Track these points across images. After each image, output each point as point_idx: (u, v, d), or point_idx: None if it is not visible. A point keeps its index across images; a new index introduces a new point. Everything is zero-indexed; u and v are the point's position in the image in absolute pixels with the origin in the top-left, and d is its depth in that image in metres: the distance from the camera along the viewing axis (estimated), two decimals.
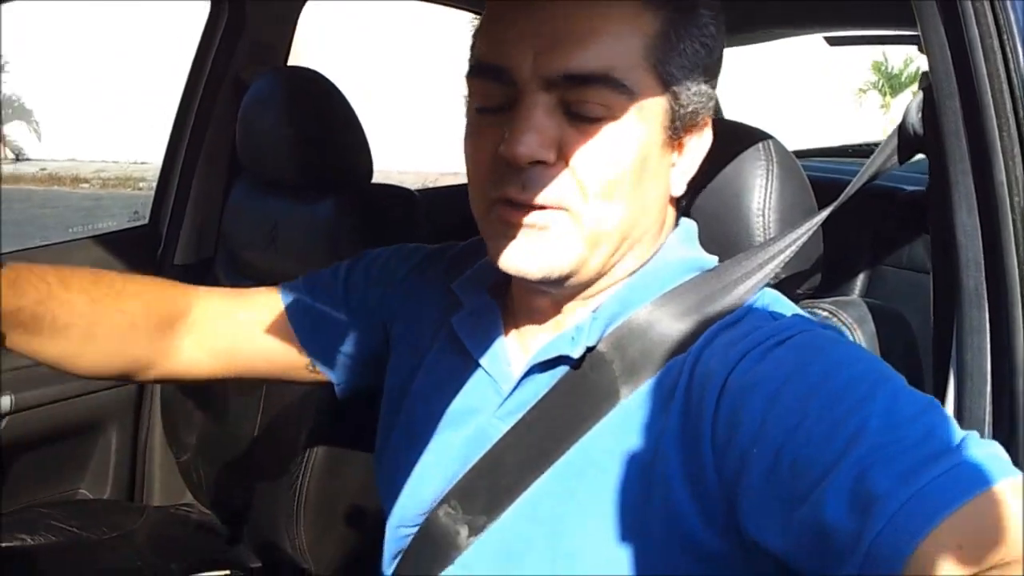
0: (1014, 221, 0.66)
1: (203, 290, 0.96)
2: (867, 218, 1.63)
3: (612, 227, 0.71)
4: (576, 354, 0.73)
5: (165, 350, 0.92)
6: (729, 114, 2.58)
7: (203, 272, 1.79)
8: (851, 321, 0.87)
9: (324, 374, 0.97)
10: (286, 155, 1.46)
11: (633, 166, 0.70)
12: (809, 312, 0.87)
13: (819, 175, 1.71)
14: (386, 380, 0.93)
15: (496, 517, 0.76)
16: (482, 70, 0.71)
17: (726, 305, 0.73)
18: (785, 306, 0.76)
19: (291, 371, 0.97)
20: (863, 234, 1.68)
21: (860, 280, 1.67)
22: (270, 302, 0.96)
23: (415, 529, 0.82)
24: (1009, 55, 0.67)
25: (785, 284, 0.91)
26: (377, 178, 1.56)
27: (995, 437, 0.68)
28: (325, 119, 1.48)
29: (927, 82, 0.75)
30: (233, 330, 0.94)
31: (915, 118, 0.77)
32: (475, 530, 0.77)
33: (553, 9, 0.68)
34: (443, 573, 0.78)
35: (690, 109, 0.73)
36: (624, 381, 0.71)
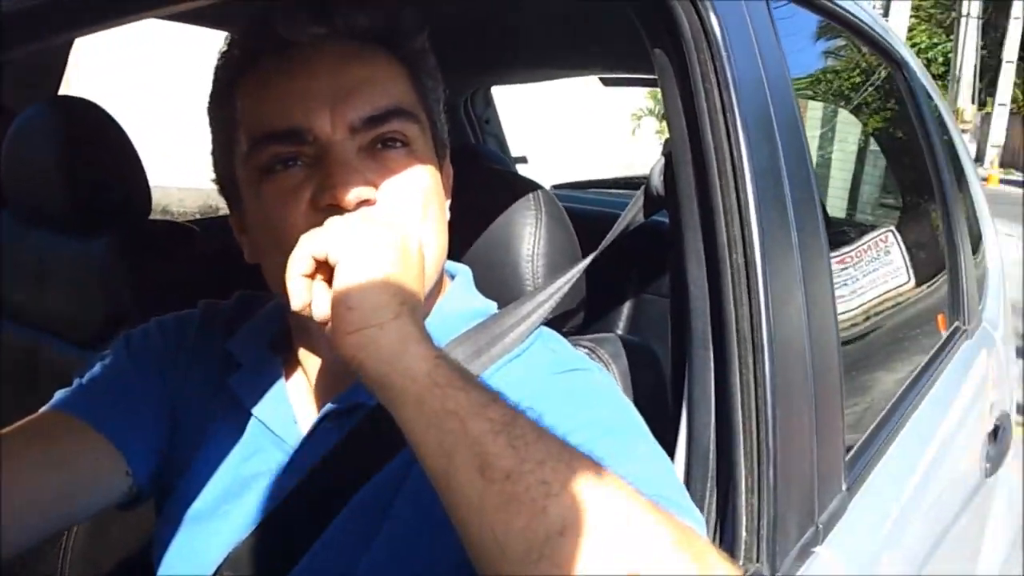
0: (733, 275, 0.77)
1: None
2: (631, 251, 1.77)
3: (437, 253, 0.76)
4: (373, 401, 0.74)
5: None
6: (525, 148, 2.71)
7: None
8: (607, 357, 0.96)
9: (136, 477, 0.82)
10: (56, 188, 1.39)
11: (436, 189, 0.77)
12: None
13: (591, 208, 1.85)
14: (166, 456, 0.85)
15: None
16: (277, 136, 0.72)
17: (506, 345, 0.79)
18: (561, 342, 0.84)
19: (108, 485, 0.81)
20: (628, 266, 1.81)
21: (626, 309, 1.80)
22: (58, 423, 0.81)
23: None
24: (730, 130, 0.77)
25: (552, 323, 0.99)
26: (156, 195, 1.51)
27: (718, 461, 0.78)
28: (99, 151, 1.42)
29: (668, 148, 0.85)
30: (37, 483, 0.76)
31: (657, 180, 0.87)
32: None
33: (324, 70, 0.73)
34: None
35: (444, 137, 0.82)
36: None
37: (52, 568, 1.28)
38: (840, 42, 1.38)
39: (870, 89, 1.66)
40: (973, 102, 13.12)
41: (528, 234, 0.99)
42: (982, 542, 1.73)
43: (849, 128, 1.95)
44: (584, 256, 0.97)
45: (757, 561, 0.76)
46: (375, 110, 0.73)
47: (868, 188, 2.00)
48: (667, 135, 0.83)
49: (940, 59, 27.04)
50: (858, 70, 1.58)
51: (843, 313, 1.23)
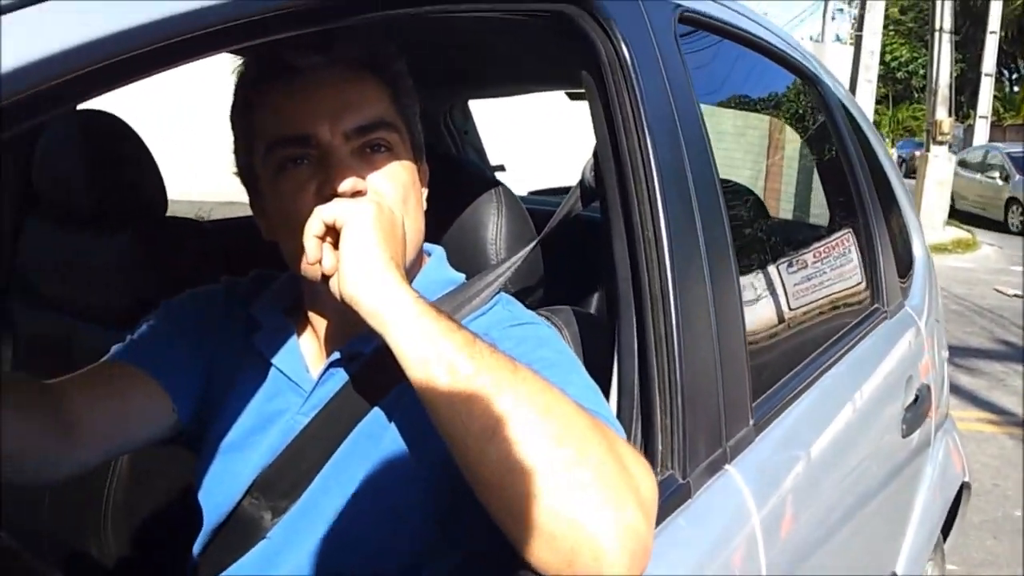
0: (645, 247, 0.98)
1: (65, 387, 0.95)
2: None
3: (415, 231, 0.97)
4: (369, 350, 0.95)
5: (53, 462, 0.93)
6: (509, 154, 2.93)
7: None
8: (560, 323, 1.16)
9: (180, 414, 1.02)
10: (83, 192, 1.58)
11: (414, 183, 0.98)
12: None
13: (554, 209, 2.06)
14: (203, 402, 1.04)
15: (297, 497, 0.95)
16: (287, 140, 0.93)
17: (473, 306, 1.01)
18: (517, 305, 1.05)
19: (158, 419, 1.00)
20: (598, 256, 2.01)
21: (596, 296, 2.01)
22: (117, 368, 1.00)
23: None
24: (640, 135, 0.99)
25: (517, 296, 1.20)
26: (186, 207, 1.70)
27: (640, 393, 0.99)
28: (120, 157, 1.61)
29: (596, 150, 1.06)
30: (105, 411, 0.96)
31: (589, 176, 1.08)
32: (278, 512, 0.96)
33: (324, 90, 0.94)
34: (252, 550, 0.96)
35: (420, 142, 1.03)
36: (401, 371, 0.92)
37: (96, 515, 1.47)
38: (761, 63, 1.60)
39: (794, 106, 1.88)
40: (951, 115, 13.32)
41: (492, 223, 1.20)
42: (911, 510, 1.94)
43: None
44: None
45: (671, 468, 0.98)
46: (364, 121, 0.94)
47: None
48: None
49: (921, 72, 27.59)
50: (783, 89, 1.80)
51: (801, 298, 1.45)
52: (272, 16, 0.65)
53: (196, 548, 1.04)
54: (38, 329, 1.74)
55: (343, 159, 0.92)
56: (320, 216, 0.86)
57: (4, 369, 1.78)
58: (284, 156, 0.93)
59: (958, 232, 13.48)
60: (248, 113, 0.98)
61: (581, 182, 1.10)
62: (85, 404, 0.94)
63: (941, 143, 13.09)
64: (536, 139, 8.33)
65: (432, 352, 0.77)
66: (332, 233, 0.86)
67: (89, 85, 0.52)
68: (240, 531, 0.98)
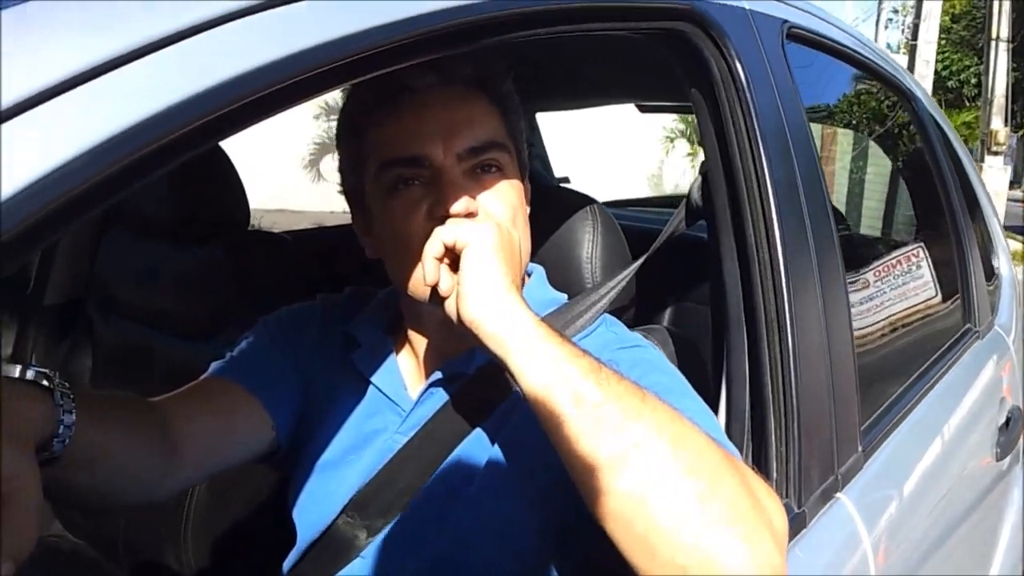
0: (760, 269, 0.95)
1: (169, 405, 0.94)
2: (674, 261, 1.95)
3: (525, 251, 0.95)
4: (471, 370, 0.94)
5: (160, 480, 0.91)
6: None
7: (73, 312, 1.87)
8: (657, 343, 1.14)
9: (278, 432, 1.00)
10: (167, 203, 1.60)
11: (522, 202, 0.96)
12: None
13: (634, 223, 2.03)
14: (300, 419, 1.02)
15: (393, 517, 0.94)
16: (399, 161, 0.91)
17: (578, 327, 0.99)
18: (621, 326, 1.03)
19: (258, 436, 0.99)
20: (672, 274, 1.99)
21: (668, 313, 1.98)
22: (217, 385, 0.99)
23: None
24: (754, 152, 0.96)
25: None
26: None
27: (752, 420, 0.96)
28: (204, 169, 1.62)
29: (705, 168, 1.03)
30: (207, 428, 0.95)
31: (696, 195, 1.06)
32: (373, 531, 0.95)
33: (437, 110, 0.92)
34: (345, 568, 0.95)
35: (525, 161, 1.01)
36: (506, 391, 0.92)
37: (175, 526, 1.48)
38: (856, 77, 1.56)
39: (882, 119, 1.84)
40: (1006, 124, 12.98)
41: (587, 240, 1.18)
42: (999, 532, 1.88)
43: (876, 152, 2.14)
44: (632, 261, 1.16)
45: (786, 497, 0.95)
46: (476, 142, 0.92)
47: (895, 208, 2.18)
48: (697, 155, 1.01)
49: (973, 81, 26.95)
50: (873, 101, 1.77)
51: (873, 315, 1.41)
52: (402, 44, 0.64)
53: (287, 564, 1.03)
54: (117, 339, 1.76)
55: (455, 180, 0.90)
56: (440, 237, 0.84)
57: (84, 378, 1.80)
58: (395, 176, 0.92)
59: (1013, 244, 13.18)
60: (358, 133, 0.97)
61: (687, 201, 1.08)
62: (188, 421, 0.93)
63: (996, 153, 12.75)
64: (591, 151, 8.31)
65: (557, 378, 0.75)
66: (449, 254, 0.84)
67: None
68: (334, 549, 0.97)
